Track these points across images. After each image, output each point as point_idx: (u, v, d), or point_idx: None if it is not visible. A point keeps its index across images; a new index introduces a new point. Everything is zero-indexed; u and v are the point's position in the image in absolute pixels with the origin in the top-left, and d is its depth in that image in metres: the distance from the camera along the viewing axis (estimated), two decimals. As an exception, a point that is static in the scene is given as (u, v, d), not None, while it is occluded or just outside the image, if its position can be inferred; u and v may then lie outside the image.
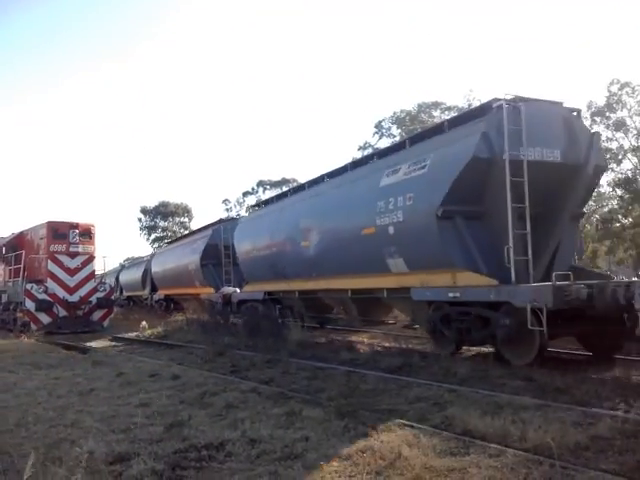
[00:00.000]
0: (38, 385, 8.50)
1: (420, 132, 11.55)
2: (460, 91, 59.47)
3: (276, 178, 55.72)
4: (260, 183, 56.14)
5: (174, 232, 58.28)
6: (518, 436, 4.70)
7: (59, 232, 20.01)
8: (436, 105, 40.45)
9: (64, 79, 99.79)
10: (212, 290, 19.65)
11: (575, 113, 9.68)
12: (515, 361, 8.27)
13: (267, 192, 54.12)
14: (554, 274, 7.98)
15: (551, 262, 9.20)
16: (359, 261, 10.89)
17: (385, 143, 41.89)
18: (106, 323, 20.45)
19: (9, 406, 7.08)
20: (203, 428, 5.45)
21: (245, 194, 57.04)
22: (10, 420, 6.25)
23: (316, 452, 4.54)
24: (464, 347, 9.91)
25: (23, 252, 20.46)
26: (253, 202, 54.43)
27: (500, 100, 8.69)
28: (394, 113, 41.42)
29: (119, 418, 6.09)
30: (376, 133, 42.37)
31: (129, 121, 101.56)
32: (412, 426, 5.16)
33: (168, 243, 31.37)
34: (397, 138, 41.44)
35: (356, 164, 12.74)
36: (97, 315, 20.09)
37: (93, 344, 15.22)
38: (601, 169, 10.12)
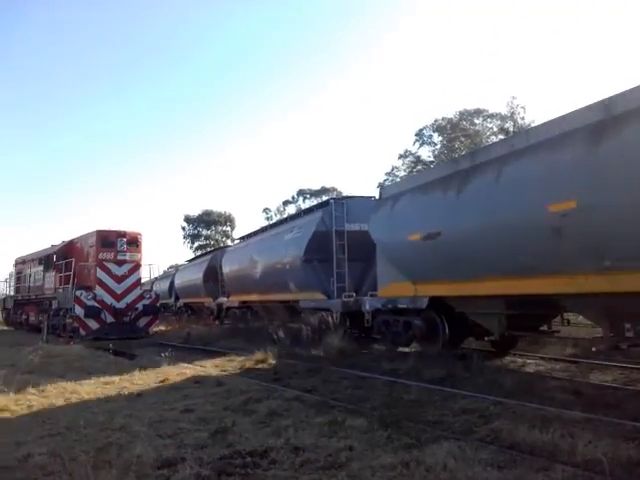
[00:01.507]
0: (87, 389, 8.75)
1: (307, 208, 19.41)
2: (503, 98, 58.53)
3: (316, 187, 56.09)
4: (300, 192, 56.62)
5: (216, 240, 59.07)
6: (567, 450, 4.58)
7: (108, 240, 20.60)
8: (478, 112, 39.93)
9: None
10: (211, 299, 25.75)
11: None
12: (331, 341, 12.59)
13: (307, 201, 54.53)
14: (344, 293, 14.64)
15: (374, 286, 13.75)
16: (278, 283, 17.09)
17: (425, 151, 41.68)
18: (152, 329, 20.92)
19: (60, 409, 7.30)
20: (247, 435, 5.51)
21: (285, 203, 57.61)
22: (61, 423, 6.44)
23: (360, 462, 4.53)
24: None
25: (73, 260, 21.05)
26: (293, 211, 55.08)
27: (332, 199, 16.31)
28: (435, 121, 41.10)
29: (166, 423, 6.22)
30: (417, 141, 42.15)
31: (174, 132, 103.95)
32: (458, 438, 5.09)
33: (188, 261, 35.40)
34: (438, 146, 41.12)
35: (281, 221, 20.53)
36: (143, 322, 20.55)
37: (139, 350, 15.57)
38: None
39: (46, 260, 24.08)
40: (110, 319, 19.66)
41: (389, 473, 4.25)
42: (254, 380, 9.10)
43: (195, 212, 61.96)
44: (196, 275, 27.38)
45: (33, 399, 8.09)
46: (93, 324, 19.36)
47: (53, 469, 4.69)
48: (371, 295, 13.65)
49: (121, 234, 20.88)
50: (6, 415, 7.08)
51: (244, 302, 21.22)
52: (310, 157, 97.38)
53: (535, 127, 9.99)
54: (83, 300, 19.26)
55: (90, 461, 4.65)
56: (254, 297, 19.93)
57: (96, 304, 19.42)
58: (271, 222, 26.53)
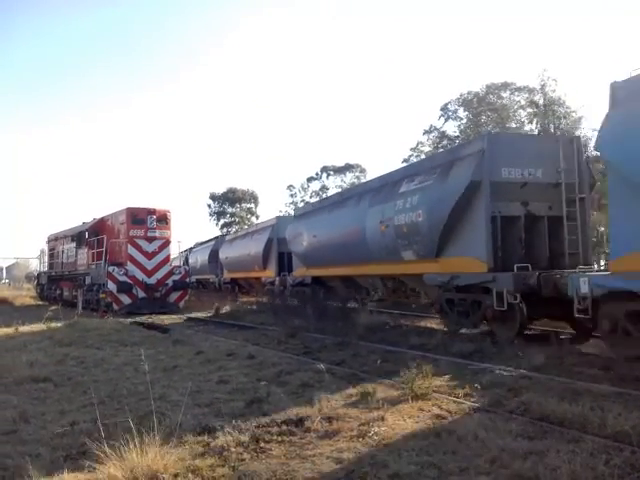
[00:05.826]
0: (124, 361, 9.05)
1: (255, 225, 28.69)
2: (531, 71, 56.76)
3: (340, 163, 55.81)
4: (324, 169, 56.28)
5: (241, 218, 59.26)
6: (597, 423, 4.64)
7: (138, 218, 21.00)
8: (505, 86, 38.92)
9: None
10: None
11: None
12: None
13: (330, 177, 54.44)
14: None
15: None
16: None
17: (451, 127, 40.90)
18: (182, 304, 21.39)
19: (99, 380, 7.60)
20: (281, 405, 5.70)
21: (309, 179, 57.36)
22: (102, 393, 6.70)
23: (392, 431, 4.67)
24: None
25: (105, 237, 21.51)
26: (317, 187, 55.14)
27: (275, 218, 24.37)
28: (460, 95, 40.21)
29: (202, 393, 6.45)
30: (442, 116, 41.34)
31: (199, 111, 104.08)
32: (488, 410, 5.19)
33: (182, 252, 35.51)
34: (464, 121, 40.33)
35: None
36: (173, 297, 21.03)
37: (171, 324, 15.94)
38: None
39: (78, 237, 24.61)
40: (142, 294, 20.16)
41: (421, 442, 4.38)
42: (285, 353, 9.30)
43: (220, 190, 62.12)
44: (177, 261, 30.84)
45: (73, 370, 8.43)
46: (125, 299, 19.89)
47: (99, 435, 4.90)
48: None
49: (151, 211, 21.24)
50: (49, 385, 7.38)
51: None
52: (334, 133, 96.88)
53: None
54: (115, 276, 19.75)
55: (134, 428, 4.85)
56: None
57: (128, 280, 19.92)
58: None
